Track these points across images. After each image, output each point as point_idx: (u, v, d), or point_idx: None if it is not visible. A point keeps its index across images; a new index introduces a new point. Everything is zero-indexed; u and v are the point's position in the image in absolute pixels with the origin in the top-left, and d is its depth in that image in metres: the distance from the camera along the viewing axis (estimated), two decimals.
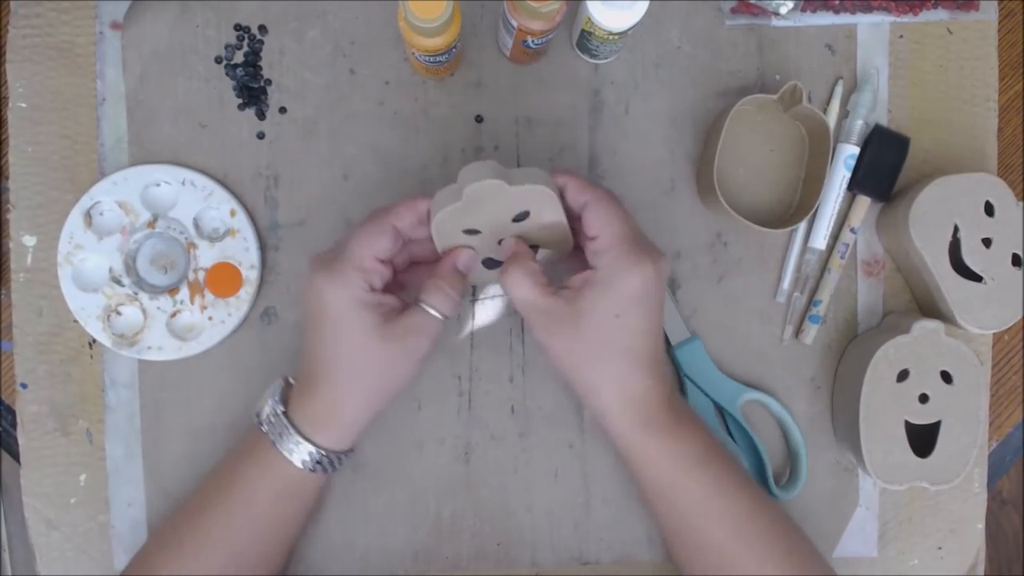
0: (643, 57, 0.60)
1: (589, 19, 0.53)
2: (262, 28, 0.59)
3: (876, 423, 0.57)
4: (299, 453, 0.50)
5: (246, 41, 0.59)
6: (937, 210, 0.57)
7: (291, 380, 0.52)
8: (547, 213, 0.49)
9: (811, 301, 0.60)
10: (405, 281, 0.54)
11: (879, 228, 0.61)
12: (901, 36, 0.61)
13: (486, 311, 0.60)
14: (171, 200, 0.58)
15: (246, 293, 0.58)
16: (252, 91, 0.59)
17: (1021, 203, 0.57)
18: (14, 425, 0.59)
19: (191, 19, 0.59)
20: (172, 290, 0.58)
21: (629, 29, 0.53)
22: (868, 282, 0.61)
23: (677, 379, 0.60)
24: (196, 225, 0.58)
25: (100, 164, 0.59)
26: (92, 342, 0.58)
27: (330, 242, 0.59)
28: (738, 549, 0.49)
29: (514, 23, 0.52)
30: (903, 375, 0.57)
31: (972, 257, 0.57)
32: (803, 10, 0.60)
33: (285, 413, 0.50)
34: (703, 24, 0.60)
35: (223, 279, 0.57)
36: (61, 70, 0.59)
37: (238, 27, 0.59)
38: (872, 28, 0.61)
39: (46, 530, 0.58)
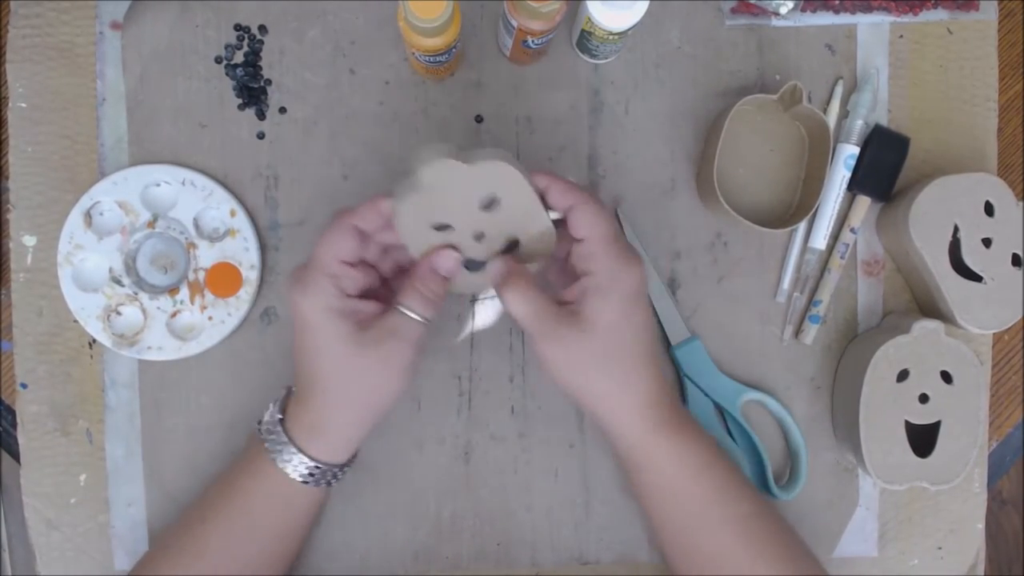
0: (643, 57, 0.60)
1: (589, 19, 0.53)
2: (262, 28, 0.59)
3: (876, 423, 0.57)
4: (293, 464, 0.49)
5: (246, 41, 0.59)
6: (937, 210, 0.57)
7: (293, 389, 0.52)
8: (517, 195, 0.46)
9: (811, 301, 0.60)
10: (397, 288, 0.52)
11: (879, 228, 0.61)
12: (901, 36, 0.61)
13: (486, 311, 0.60)
14: (171, 200, 0.58)
15: (246, 293, 0.58)
16: (252, 91, 0.59)
17: (1021, 203, 0.57)
18: (14, 425, 0.59)
19: (191, 19, 0.59)
20: (172, 290, 0.58)
21: (629, 29, 0.53)
22: (868, 282, 0.61)
23: (677, 379, 0.60)
24: (196, 225, 0.58)
25: (100, 164, 0.59)
26: (92, 342, 0.58)
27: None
28: (746, 553, 0.49)
29: (514, 23, 0.52)
30: (903, 375, 0.57)
31: (972, 257, 0.57)
32: (803, 10, 0.60)
33: (282, 421, 0.50)
34: (703, 24, 0.60)
35: (223, 279, 0.57)
36: (61, 70, 0.59)
37: (238, 27, 0.59)
38: (872, 28, 0.61)
39: (46, 530, 0.58)
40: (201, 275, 0.57)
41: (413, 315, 0.48)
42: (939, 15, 0.61)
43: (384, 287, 0.52)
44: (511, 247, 0.50)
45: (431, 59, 0.53)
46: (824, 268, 0.60)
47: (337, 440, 0.50)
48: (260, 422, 0.52)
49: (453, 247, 0.49)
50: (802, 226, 0.60)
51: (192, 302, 0.57)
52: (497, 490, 0.59)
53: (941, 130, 0.61)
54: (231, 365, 0.59)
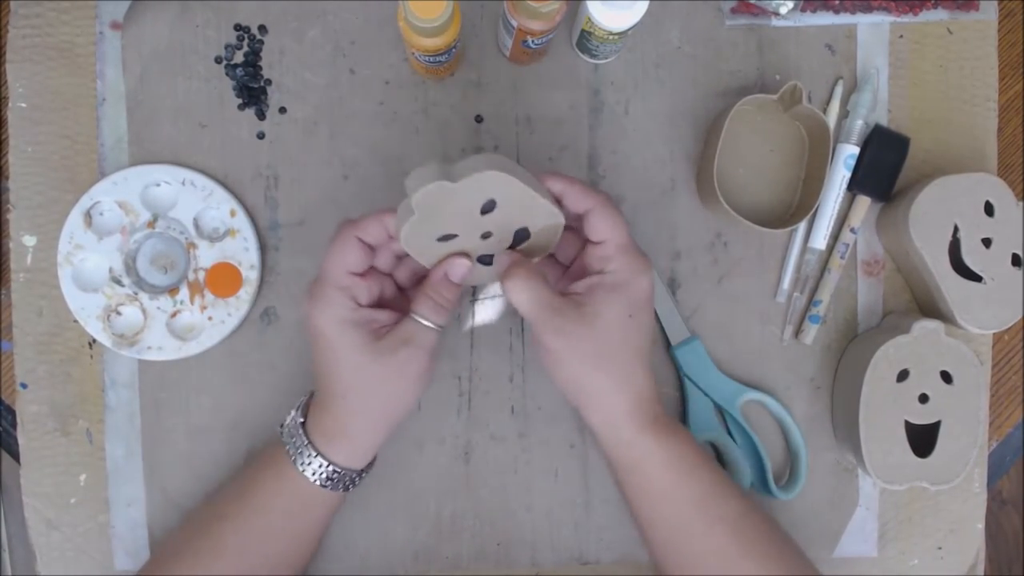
0: (643, 57, 0.60)
1: (589, 19, 0.53)
2: (262, 28, 0.59)
3: (876, 423, 0.57)
4: (313, 468, 0.50)
5: (246, 41, 0.59)
6: (937, 210, 0.57)
7: (315, 394, 0.52)
8: (512, 195, 0.46)
9: (811, 301, 0.60)
10: (414, 296, 0.52)
11: (879, 228, 0.61)
12: (901, 36, 0.61)
13: (486, 311, 0.60)
14: (171, 200, 0.58)
15: (246, 293, 0.58)
16: (252, 91, 0.59)
17: (1021, 203, 0.57)
18: (14, 425, 0.59)
19: (191, 19, 0.59)
20: (172, 290, 0.58)
21: (629, 29, 0.53)
22: (868, 282, 0.61)
23: (677, 379, 0.60)
24: (196, 225, 0.58)
25: (100, 164, 0.59)
26: (92, 342, 0.58)
27: (328, 243, 0.59)
28: (735, 552, 0.49)
29: (514, 23, 0.52)
30: (903, 375, 0.57)
31: (972, 257, 0.57)
32: (803, 10, 0.60)
33: (304, 424, 0.51)
34: (703, 24, 0.60)
35: (223, 279, 0.57)
36: (61, 70, 0.59)
37: (238, 27, 0.59)
38: (872, 28, 0.61)
39: (46, 530, 0.58)
40: (201, 275, 0.57)
41: (426, 323, 0.49)
42: (939, 15, 0.61)
43: (402, 296, 0.53)
44: (521, 237, 0.50)
45: (431, 59, 0.53)
46: (824, 268, 0.60)
47: (357, 446, 0.51)
48: (282, 425, 0.52)
49: (464, 253, 0.50)
50: (802, 226, 0.60)
51: (192, 302, 0.57)
52: (497, 490, 0.59)
53: (941, 130, 0.61)
54: (231, 365, 0.59)
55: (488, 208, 0.47)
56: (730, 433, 0.60)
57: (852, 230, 0.60)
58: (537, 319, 0.48)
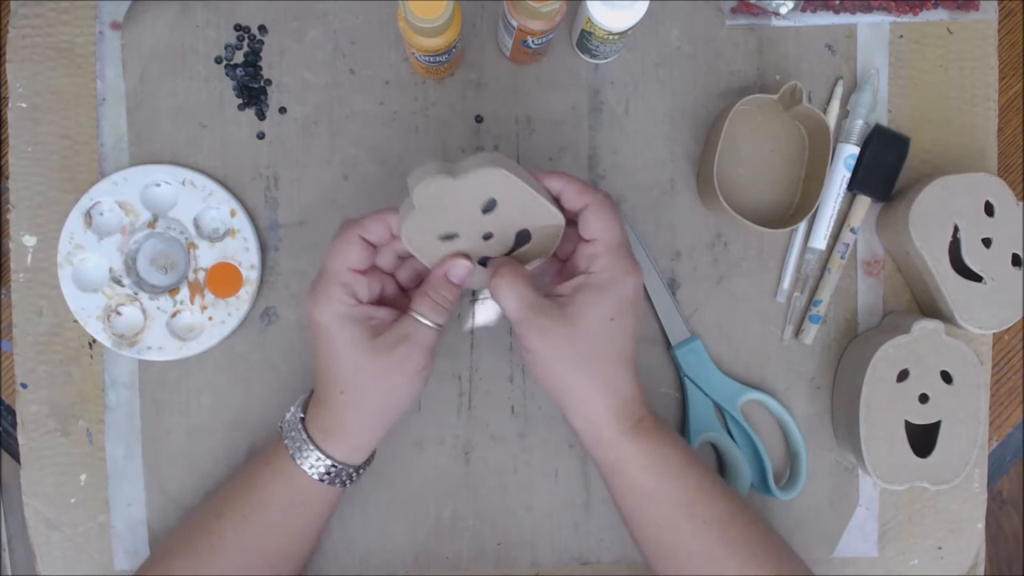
0: (643, 57, 0.60)
1: (589, 19, 0.53)
2: (262, 28, 0.59)
3: (876, 423, 0.57)
4: (310, 462, 0.50)
5: (246, 41, 0.59)
6: (937, 210, 0.57)
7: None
8: (513, 195, 0.46)
9: (811, 301, 0.60)
10: (414, 295, 0.53)
11: (879, 228, 0.61)
12: (901, 36, 0.61)
13: (486, 311, 0.60)
14: (171, 200, 0.58)
15: (246, 293, 0.58)
16: (252, 91, 0.59)
17: (1021, 203, 0.57)
18: (14, 425, 0.59)
19: (191, 19, 0.59)
20: (172, 290, 0.58)
21: (629, 29, 0.53)
22: (868, 282, 0.61)
23: (677, 379, 0.60)
24: (196, 225, 0.58)
25: (100, 164, 0.59)
26: (92, 342, 0.58)
27: (330, 242, 0.59)
28: (726, 552, 0.49)
29: (514, 23, 0.52)
30: (903, 375, 0.57)
31: (972, 257, 0.57)
32: (803, 10, 0.60)
33: (303, 419, 0.51)
34: (703, 24, 0.60)
35: (223, 279, 0.57)
36: (61, 70, 0.59)
37: (238, 27, 0.59)
38: (872, 28, 0.61)
39: (46, 530, 0.58)
40: (201, 275, 0.57)
41: (425, 321, 0.49)
42: (939, 15, 0.61)
43: (404, 295, 0.53)
44: (522, 239, 0.50)
45: (431, 59, 0.53)
46: (824, 268, 0.60)
47: (354, 441, 0.51)
48: (282, 421, 0.53)
49: (465, 255, 0.50)
50: (802, 226, 0.60)
51: (192, 302, 0.57)
52: (497, 490, 0.59)
53: (941, 130, 0.61)
54: (231, 365, 0.59)
55: (489, 207, 0.47)
56: (730, 433, 0.60)
57: (852, 230, 0.60)
58: (520, 319, 0.48)
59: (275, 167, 0.59)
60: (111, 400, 0.58)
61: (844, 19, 0.61)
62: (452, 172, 0.45)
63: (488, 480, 0.59)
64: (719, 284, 0.60)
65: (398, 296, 0.53)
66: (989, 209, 0.57)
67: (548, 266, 0.53)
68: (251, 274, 0.58)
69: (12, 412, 0.60)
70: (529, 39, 0.53)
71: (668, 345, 0.60)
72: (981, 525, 0.61)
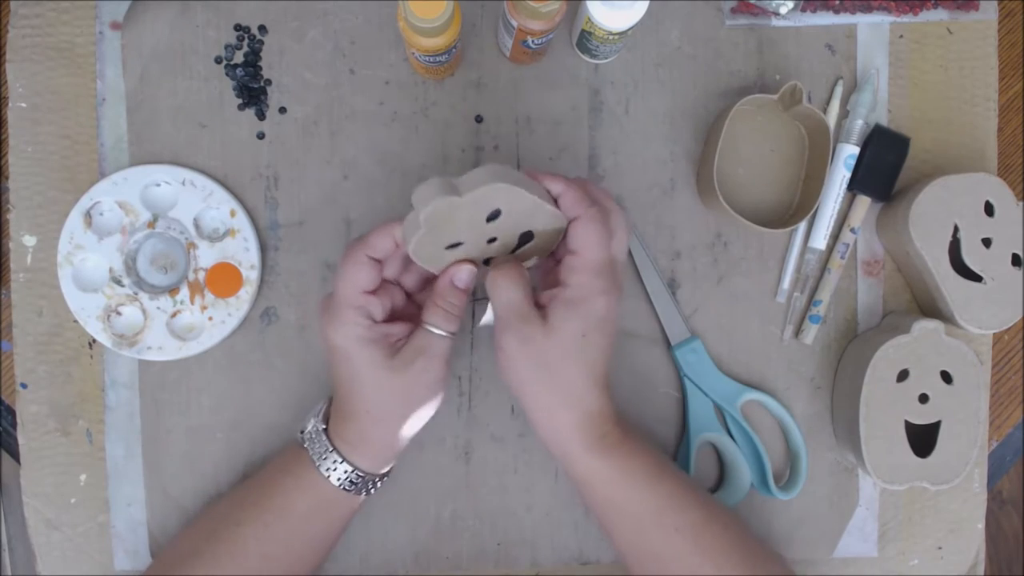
0: (643, 57, 0.60)
1: (589, 19, 0.53)
2: (262, 28, 0.59)
3: (876, 423, 0.57)
4: (336, 472, 0.51)
5: (246, 41, 0.59)
6: (937, 210, 0.57)
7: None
8: (517, 205, 0.47)
9: (811, 301, 0.60)
10: (422, 301, 0.53)
11: (879, 228, 0.61)
12: (901, 36, 0.61)
13: (486, 311, 0.60)
14: (171, 200, 0.58)
15: (246, 293, 0.58)
16: (252, 91, 0.59)
17: (1021, 203, 0.57)
18: (14, 425, 0.59)
19: (191, 19, 0.59)
20: (172, 290, 0.58)
21: (629, 29, 0.53)
22: (868, 282, 0.61)
23: (677, 379, 0.60)
24: (196, 225, 0.58)
25: (100, 164, 0.59)
26: (92, 342, 0.58)
27: (330, 242, 0.59)
28: (699, 559, 0.49)
29: (514, 23, 0.52)
30: (903, 375, 0.57)
31: (972, 257, 0.57)
32: (803, 10, 0.60)
33: (326, 431, 0.52)
34: (703, 24, 0.60)
35: (223, 279, 0.57)
36: (61, 70, 0.59)
37: (238, 27, 0.59)
38: (872, 28, 0.61)
39: (46, 530, 0.58)
40: (201, 275, 0.57)
41: (439, 331, 0.49)
42: (939, 15, 0.61)
43: (411, 302, 0.53)
44: (526, 239, 0.50)
45: (431, 59, 0.53)
46: (824, 268, 0.60)
47: (380, 452, 0.52)
48: (302, 431, 0.53)
49: (471, 261, 0.50)
50: (802, 226, 0.60)
51: (192, 302, 0.57)
52: (497, 490, 0.59)
53: (941, 130, 0.61)
54: (231, 365, 0.59)
55: (494, 216, 0.47)
56: (730, 433, 0.60)
57: (852, 230, 0.60)
58: (504, 318, 0.48)
59: (275, 167, 0.59)
60: (111, 400, 0.58)
61: (844, 19, 0.61)
62: (456, 189, 0.45)
63: (488, 480, 0.59)
64: (719, 284, 0.60)
65: (405, 303, 0.53)
66: (989, 209, 0.57)
67: (542, 262, 0.53)
68: (251, 274, 0.58)
69: (12, 412, 0.60)
70: (529, 39, 0.53)
71: (668, 345, 0.60)
72: (981, 525, 0.61)
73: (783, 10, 0.60)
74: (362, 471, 0.51)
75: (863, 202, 0.60)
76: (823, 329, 0.60)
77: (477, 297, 0.59)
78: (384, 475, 0.53)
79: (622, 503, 0.50)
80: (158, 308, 0.57)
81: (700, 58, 0.60)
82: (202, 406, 0.59)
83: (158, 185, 0.58)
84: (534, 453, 0.60)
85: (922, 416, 0.57)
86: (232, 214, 0.58)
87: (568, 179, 0.49)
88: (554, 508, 0.59)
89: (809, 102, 0.57)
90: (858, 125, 0.59)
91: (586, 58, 0.59)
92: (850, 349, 0.60)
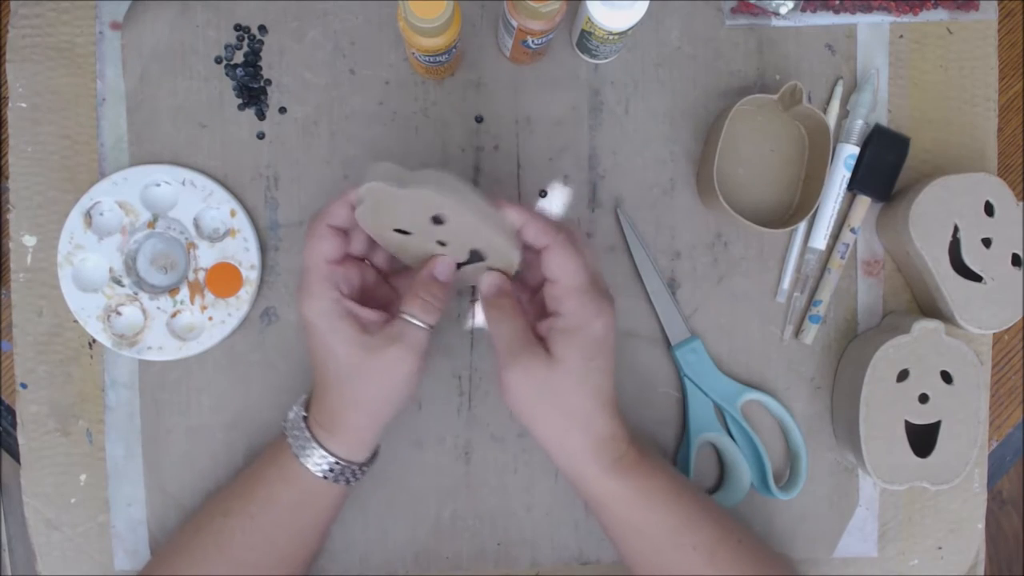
0: (643, 57, 0.60)
1: (589, 19, 0.53)
2: (262, 28, 0.59)
3: (876, 423, 0.57)
4: (314, 460, 0.50)
5: (246, 41, 0.59)
6: (937, 210, 0.57)
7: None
8: (458, 217, 0.47)
9: (811, 301, 0.60)
10: (399, 286, 0.54)
11: (879, 228, 0.61)
12: (901, 36, 0.61)
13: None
14: (171, 200, 0.58)
15: (246, 293, 0.58)
16: (252, 91, 0.59)
17: (1021, 203, 0.57)
18: (14, 425, 0.59)
19: (191, 19, 0.59)
20: (172, 290, 0.58)
21: (629, 29, 0.53)
22: (868, 282, 0.61)
23: (677, 379, 0.60)
24: (196, 225, 0.58)
25: (100, 164, 0.59)
26: (92, 342, 0.58)
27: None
28: (713, 574, 0.49)
29: (514, 23, 0.52)
30: (903, 375, 0.57)
31: (972, 257, 0.57)
32: (803, 10, 0.60)
33: (305, 418, 0.51)
34: (703, 24, 0.60)
35: (223, 279, 0.57)
36: (61, 70, 0.59)
37: (238, 27, 0.59)
38: (872, 28, 0.61)
39: (46, 530, 0.58)
40: (201, 275, 0.57)
41: (416, 322, 0.49)
42: (939, 15, 0.61)
43: (386, 285, 0.53)
44: (476, 257, 0.50)
45: (431, 59, 0.53)
46: (824, 268, 0.60)
47: (351, 438, 0.51)
48: (285, 420, 0.53)
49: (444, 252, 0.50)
50: (802, 226, 0.60)
51: (192, 302, 0.57)
52: (497, 490, 0.59)
53: (941, 130, 0.61)
54: (231, 365, 0.59)
55: (439, 220, 0.47)
56: (730, 433, 0.60)
57: (852, 230, 0.60)
58: (506, 352, 0.48)
59: (275, 167, 0.59)
60: (111, 400, 0.58)
61: (844, 19, 0.61)
62: (401, 181, 0.46)
63: (488, 480, 0.59)
64: (719, 284, 0.60)
65: (380, 285, 0.52)
66: (989, 209, 0.57)
67: (518, 289, 0.53)
68: (251, 274, 0.58)
69: (12, 412, 0.60)
70: (529, 39, 0.53)
71: (668, 345, 0.60)
72: (981, 525, 0.61)
73: (783, 10, 0.60)
74: (340, 459, 0.51)
75: (863, 202, 0.60)
76: (823, 329, 0.60)
77: (476, 297, 0.59)
78: (364, 465, 0.53)
79: (640, 523, 0.50)
80: (158, 308, 0.57)
81: (700, 58, 0.60)
82: (202, 406, 0.59)
83: (158, 185, 0.58)
84: (534, 453, 0.60)
85: (922, 416, 0.57)
86: (232, 214, 0.58)
87: (530, 210, 0.48)
88: (554, 508, 0.59)
89: (809, 102, 0.57)
90: (858, 125, 0.59)
91: (586, 58, 0.59)
92: (850, 349, 0.60)
